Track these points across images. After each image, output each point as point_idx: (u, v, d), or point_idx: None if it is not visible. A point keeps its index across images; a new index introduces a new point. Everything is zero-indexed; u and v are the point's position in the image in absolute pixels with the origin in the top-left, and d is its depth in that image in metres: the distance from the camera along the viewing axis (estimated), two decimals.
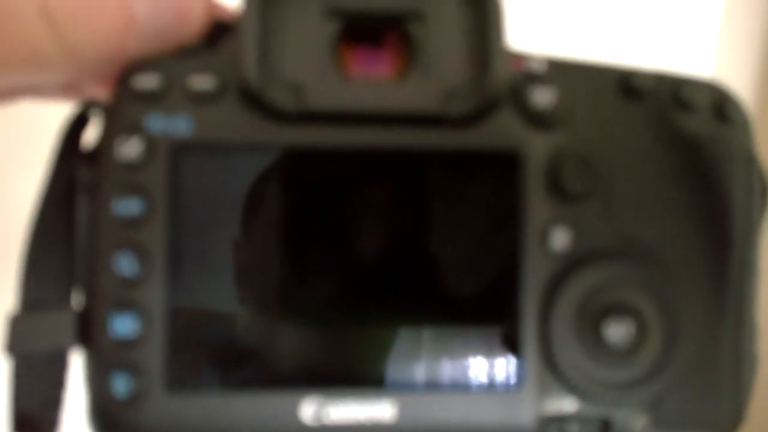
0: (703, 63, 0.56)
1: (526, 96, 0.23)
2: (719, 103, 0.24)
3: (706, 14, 0.56)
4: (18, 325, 0.21)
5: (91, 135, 0.23)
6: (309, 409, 0.22)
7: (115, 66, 0.21)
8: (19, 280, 0.22)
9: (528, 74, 0.23)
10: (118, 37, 0.20)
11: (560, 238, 0.23)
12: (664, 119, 0.24)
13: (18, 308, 0.22)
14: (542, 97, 0.23)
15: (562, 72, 0.24)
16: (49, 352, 0.22)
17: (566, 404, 0.23)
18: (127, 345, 0.21)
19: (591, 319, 0.23)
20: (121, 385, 0.21)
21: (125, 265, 0.21)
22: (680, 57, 0.55)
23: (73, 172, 0.22)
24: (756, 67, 0.59)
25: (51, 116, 0.24)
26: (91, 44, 0.19)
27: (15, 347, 0.21)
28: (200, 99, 0.22)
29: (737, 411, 0.24)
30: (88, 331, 0.21)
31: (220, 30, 0.22)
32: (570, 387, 0.22)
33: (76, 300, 0.22)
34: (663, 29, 0.55)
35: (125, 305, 0.21)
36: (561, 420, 0.23)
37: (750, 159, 0.24)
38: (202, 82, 0.22)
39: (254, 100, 0.22)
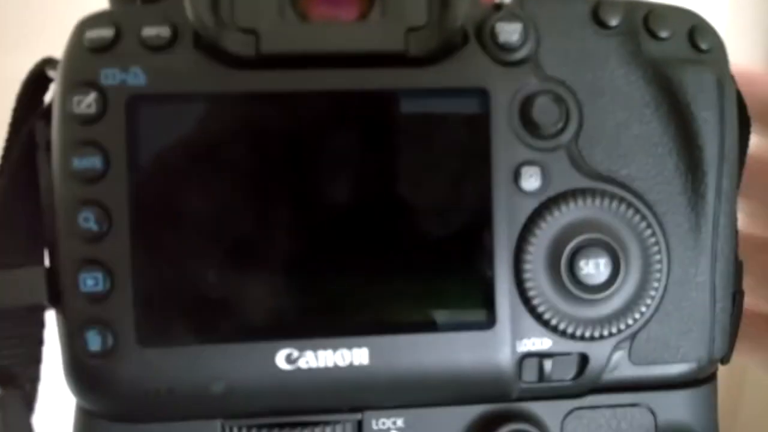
0: None
1: (492, 31, 0.22)
2: (692, 30, 0.23)
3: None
4: None
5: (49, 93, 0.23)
6: (286, 355, 0.22)
7: None
8: None
9: (495, 6, 0.23)
10: None
11: (532, 177, 0.22)
12: (637, 49, 0.23)
13: None
14: (509, 31, 0.22)
15: (530, 4, 0.23)
16: (23, 309, 0.22)
17: (542, 341, 0.22)
18: (96, 301, 0.21)
19: (564, 257, 0.22)
20: (94, 341, 0.21)
21: (88, 221, 0.21)
22: None
23: (32, 131, 0.22)
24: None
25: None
26: None
27: None
28: (154, 49, 0.21)
29: (715, 346, 0.24)
30: (58, 289, 0.22)
31: None
32: (544, 324, 0.22)
33: (46, 258, 0.22)
34: None
35: (91, 262, 0.21)
36: (538, 357, 0.22)
37: (724, 87, 0.23)
38: (155, 31, 0.21)
39: (209, 48, 0.21)
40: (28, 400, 0.22)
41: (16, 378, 0.22)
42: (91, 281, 0.21)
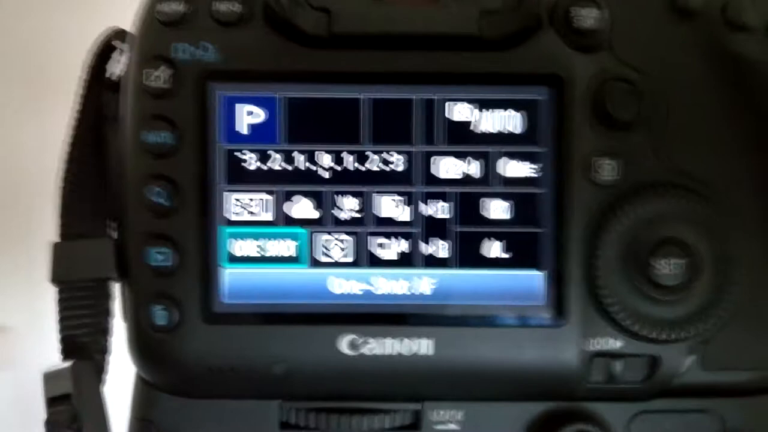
0: None
1: (569, 15, 0.21)
2: None
3: None
4: (60, 253, 0.22)
5: (116, 65, 0.23)
6: (349, 340, 0.21)
7: None
8: (57, 214, 0.22)
9: None
10: None
11: (607, 169, 0.21)
12: (716, 40, 0.22)
13: (58, 239, 0.22)
14: (586, 15, 0.21)
15: None
16: (91, 280, 0.22)
17: (612, 341, 0.22)
18: (164, 276, 0.21)
19: (639, 255, 0.21)
20: (160, 316, 0.21)
21: (157, 196, 0.21)
22: None
23: (101, 102, 0.22)
24: None
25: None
26: None
27: (58, 275, 0.22)
28: (226, 24, 0.21)
29: None
30: (125, 263, 0.22)
31: None
32: (616, 324, 0.21)
33: (113, 231, 0.22)
34: None
35: (160, 236, 0.21)
36: (607, 357, 0.22)
37: None
38: (227, 7, 0.21)
39: (282, 25, 0.21)
40: (98, 371, 0.22)
41: (86, 348, 0.22)
42: (159, 256, 0.21)
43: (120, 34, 0.23)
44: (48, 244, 0.22)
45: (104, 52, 0.23)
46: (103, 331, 0.23)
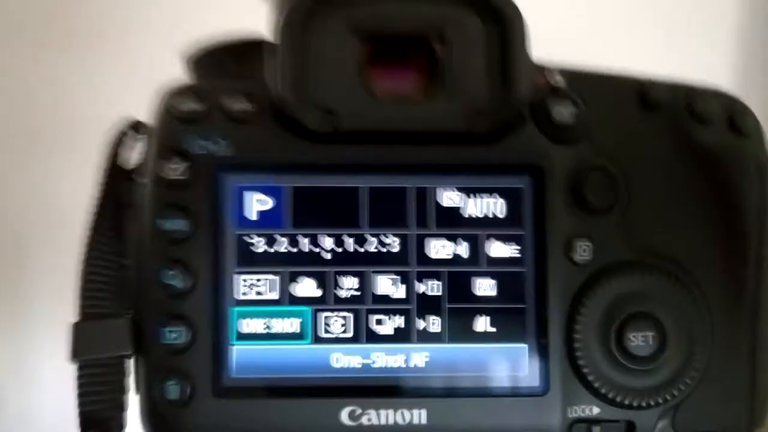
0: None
1: (548, 111, 0.24)
2: (732, 115, 0.25)
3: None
4: (80, 333, 0.23)
5: (134, 153, 0.25)
6: (349, 412, 0.23)
7: None
8: (76, 293, 0.24)
9: (549, 89, 0.24)
10: None
11: (583, 250, 0.24)
12: (681, 131, 0.25)
13: (78, 318, 0.24)
14: (564, 111, 0.24)
15: (582, 85, 0.24)
16: (109, 357, 0.23)
17: (591, 408, 0.24)
18: (177, 353, 0.23)
19: (613, 329, 0.23)
20: (172, 391, 0.23)
21: (173, 279, 0.23)
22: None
23: (120, 189, 0.24)
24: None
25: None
26: None
27: (79, 353, 0.23)
28: (238, 120, 0.23)
29: (754, 413, 0.25)
30: (141, 341, 0.23)
31: (253, 45, 0.24)
32: (594, 392, 0.23)
33: (131, 310, 0.24)
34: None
35: (174, 316, 0.23)
36: (587, 423, 0.24)
37: (764, 170, 0.25)
38: (238, 104, 0.23)
39: (288, 122, 0.23)
40: None
41: (104, 423, 0.23)
42: (173, 334, 0.23)
43: (135, 126, 0.25)
44: (68, 323, 0.23)
45: (120, 142, 0.25)
46: (119, 407, 0.24)
